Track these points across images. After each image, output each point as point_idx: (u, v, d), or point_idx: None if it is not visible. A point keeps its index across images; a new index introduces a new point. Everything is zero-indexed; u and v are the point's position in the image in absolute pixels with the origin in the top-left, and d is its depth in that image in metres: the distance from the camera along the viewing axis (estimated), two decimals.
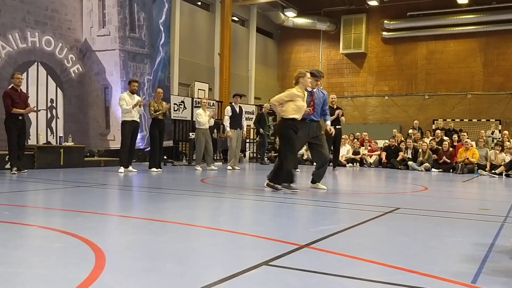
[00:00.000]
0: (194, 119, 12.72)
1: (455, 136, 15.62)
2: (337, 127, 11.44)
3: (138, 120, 10.27)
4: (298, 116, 6.61)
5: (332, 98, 11.14)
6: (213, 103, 17.49)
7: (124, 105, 9.91)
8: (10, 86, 9.14)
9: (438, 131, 16.10)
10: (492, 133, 17.38)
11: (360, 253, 3.11)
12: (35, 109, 9.71)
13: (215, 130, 15.86)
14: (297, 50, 24.60)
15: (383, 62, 22.75)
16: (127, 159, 10.18)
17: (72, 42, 12.19)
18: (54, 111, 11.75)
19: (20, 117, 9.00)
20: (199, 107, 13.04)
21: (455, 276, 2.62)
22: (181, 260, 2.87)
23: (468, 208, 6.03)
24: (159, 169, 10.57)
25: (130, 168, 10.19)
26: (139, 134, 11.14)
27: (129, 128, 9.98)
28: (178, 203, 5.67)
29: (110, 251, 2.99)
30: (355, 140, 17.82)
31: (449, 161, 13.72)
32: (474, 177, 11.87)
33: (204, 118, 11.50)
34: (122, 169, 9.93)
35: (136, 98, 10.16)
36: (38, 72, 11.36)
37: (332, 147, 11.78)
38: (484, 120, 20.43)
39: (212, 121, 11.92)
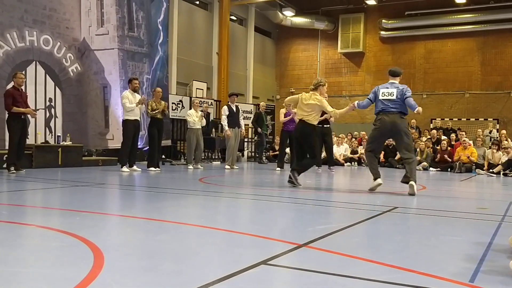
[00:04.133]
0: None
1: (453, 136, 15.64)
2: (325, 126, 11.64)
3: (140, 119, 10.25)
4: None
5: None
6: (210, 103, 17.47)
7: (127, 103, 9.81)
8: (11, 86, 9.11)
9: (433, 131, 16.10)
10: (490, 132, 17.40)
11: (358, 252, 3.12)
12: (33, 109, 9.66)
13: (213, 129, 15.84)
14: (295, 49, 24.58)
15: (381, 61, 22.75)
16: (131, 159, 10.13)
17: (70, 41, 12.18)
18: (52, 110, 11.74)
19: (22, 116, 9.00)
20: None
21: (453, 275, 2.63)
22: (179, 259, 2.87)
23: (466, 207, 6.04)
24: (157, 169, 10.57)
25: (135, 167, 10.14)
26: None
27: (132, 128, 9.93)
28: (176, 202, 5.67)
29: (108, 250, 2.99)
30: (353, 139, 17.86)
31: (450, 160, 13.73)
32: (472, 176, 11.89)
33: (193, 118, 11.51)
34: (125, 168, 9.87)
35: (138, 96, 10.09)
36: (36, 71, 11.35)
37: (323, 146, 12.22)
38: (482, 119, 20.44)
39: (204, 121, 11.91)
